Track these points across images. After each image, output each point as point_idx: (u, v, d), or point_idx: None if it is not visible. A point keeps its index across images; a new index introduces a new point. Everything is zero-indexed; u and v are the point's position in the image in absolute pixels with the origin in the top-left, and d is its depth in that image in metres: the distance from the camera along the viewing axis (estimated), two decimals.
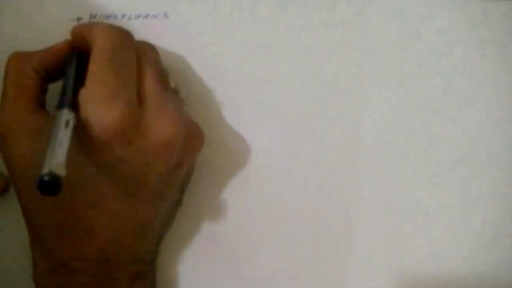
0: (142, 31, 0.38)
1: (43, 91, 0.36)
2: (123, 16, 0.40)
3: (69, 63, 0.36)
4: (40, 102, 0.35)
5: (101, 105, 0.32)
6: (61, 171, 0.29)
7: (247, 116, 0.39)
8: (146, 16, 0.39)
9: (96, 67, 0.33)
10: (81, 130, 0.32)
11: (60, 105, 0.33)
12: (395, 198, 0.38)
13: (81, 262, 0.34)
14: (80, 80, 0.34)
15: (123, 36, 0.34)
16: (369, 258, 0.38)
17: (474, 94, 0.38)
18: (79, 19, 0.40)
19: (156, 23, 0.36)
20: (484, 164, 0.38)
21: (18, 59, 0.35)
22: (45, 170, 0.29)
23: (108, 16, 0.40)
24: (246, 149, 0.39)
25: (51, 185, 0.29)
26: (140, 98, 0.34)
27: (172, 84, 0.37)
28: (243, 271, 0.38)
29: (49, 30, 0.39)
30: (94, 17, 0.39)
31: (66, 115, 0.32)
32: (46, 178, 0.29)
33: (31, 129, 0.34)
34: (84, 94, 0.33)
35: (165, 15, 0.39)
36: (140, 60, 0.34)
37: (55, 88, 0.36)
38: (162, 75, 0.36)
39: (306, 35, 0.39)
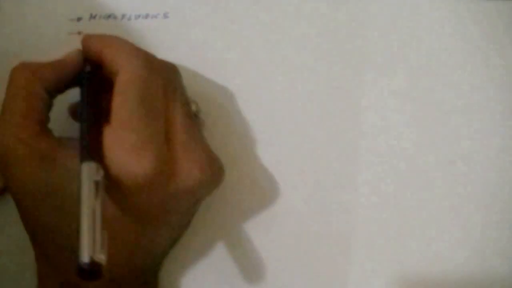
0: (142, 31, 0.38)
1: (49, 109, 0.34)
2: (123, 16, 0.39)
3: (83, 90, 0.33)
4: (45, 122, 0.33)
5: (130, 156, 0.30)
6: (103, 259, 0.28)
7: (248, 115, 0.39)
8: (146, 16, 0.39)
9: (124, 105, 0.31)
10: (106, 176, 0.30)
11: (83, 155, 0.30)
12: (395, 198, 0.38)
13: (93, 283, 0.33)
14: (98, 98, 0.32)
15: (151, 65, 0.33)
16: (369, 258, 0.37)
17: (474, 94, 0.38)
18: (79, 19, 0.40)
19: (156, 23, 0.36)
20: (485, 164, 0.38)
21: (27, 74, 0.33)
22: (85, 258, 0.27)
23: (108, 16, 0.40)
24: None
25: (92, 273, 0.27)
26: (168, 136, 0.32)
27: (193, 108, 0.36)
28: (241, 278, 0.38)
29: (49, 30, 0.39)
30: (94, 17, 0.39)
31: (94, 173, 0.29)
32: (87, 267, 0.27)
33: (34, 155, 0.32)
34: (111, 139, 0.31)
35: (165, 15, 0.39)
36: (167, 90, 0.33)
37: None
38: (187, 105, 0.34)
39: (307, 35, 0.39)
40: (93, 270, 0.27)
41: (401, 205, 0.38)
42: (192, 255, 0.38)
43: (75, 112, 0.37)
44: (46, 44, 0.39)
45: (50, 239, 0.33)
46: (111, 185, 0.31)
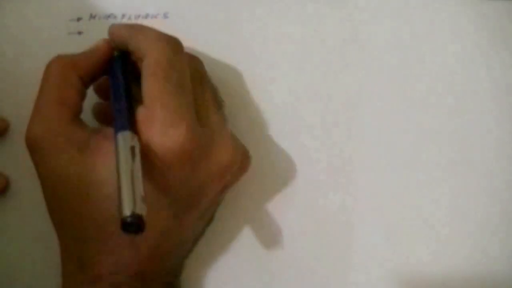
0: None
1: (83, 99, 0.35)
2: (123, 16, 0.39)
3: (114, 69, 0.34)
4: (79, 112, 0.34)
5: (163, 129, 0.31)
6: (143, 211, 0.29)
7: (249, 115, 0.39)
8: (146, 16, 0.39)
9: (154, 85, 0.32)
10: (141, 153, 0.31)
11: (119, 126, 0.31)
12: (394, 199, 0.38)
13: (120, 276, 0.33)
14: (128, 83, 0.33)
15: (176, 47, 0.33)
16: (369, 258, 0.38)
17: (473, 94, 0.38)
18: (79, 19, 0.40)
19: (156, 23, 0.36)
20: (485, 164, 0.38)
21: (63, 65, 0.34)
22: (127, 212, 0.28)
23: (108, 16, 0.40)
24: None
25: (135, 226, 0.28)
26: (200, 118, 0.33)
27: (221, 102, 0.37)
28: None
29: (49, 30, 0.39)
30: (94, 17, 0.39)
31: (129, 139, 0.31)
32: (129, 220, 0.28)
33: (71, 143, 0.32)
34: (144, 116, 0.32)
35: (165, 15, 0.39)
36: (194, 77, 0.34)
37: None
38: (214, 92, 0.36)
39: (307, 34, 0.39)
40: (135, 222, 0.28)
41: (401, 205, 0.38)
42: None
43: (99, 112, 0.37)
44: (46, 44, 0.38)
45: (78, 229, 0.33)
46: (145, 163, 0.31)
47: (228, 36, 0.39)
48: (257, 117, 0.39)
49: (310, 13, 0.39)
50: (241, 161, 0.35)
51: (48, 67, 0.34)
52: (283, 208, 0.38)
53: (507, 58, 0.38)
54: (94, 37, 0.39)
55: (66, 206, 0.33)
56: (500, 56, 0.38)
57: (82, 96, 0.34)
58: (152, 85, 0.32)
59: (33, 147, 0.33)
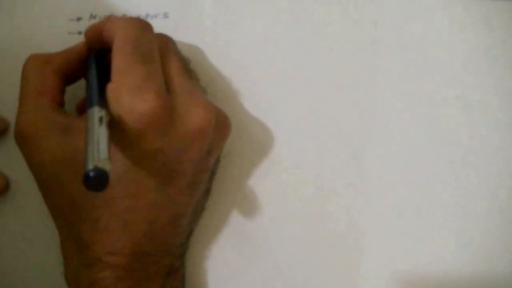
0: None
1: (62, 92, 0.36)
2: (123, 16, 0.40)
3: (90, 64, 0.36)
4: (60, 103, 0.36)
5: (132, 96, 0.32)
6: (106, 166, 0.29)
7: (250, 115, 0.39)
8: (146, 16, 0.39)
9: (121, 60, 0.33)
10: (113, 125, 0.32)
11: (90, 104, 0.32)
12: (398, 199, 0.38)
13: (117, 257, 0.34)
14: (103, 79, 0.34)
15: (143, 26, 0.35)
16: (369, 258, 0.38)
17: (475, 94, 0.38)
18: (79, 19, 0.40)
19: (156, 23, 0.36)
20: (486, 164, 0.38)
21: (37, 60, 0.36)
22: (90, 166, 0.29)
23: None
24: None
25: (98, 180, 0.29)
26: (168, 87, 0.34)
27: (192, 74, 0.38)
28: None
29: (49, 30, 0.39)
30: (94, 17, 0.40)
31: (98, 112, 0.32)
32: (92, 174, 0.29)
33: (56, 127, 0.34)
34: (113, 87, 0.33)
35: (165, 15, 0.39)
36: (162, 50, 0.35)
37: (72, 91, 0.37)
38: (186, 65, 0.36)
39: (307, 33, 0.39)
40: (98, 176, 0.29)
41: (403, 205, 0.38)
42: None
43: (82, 109, 0.38)
44: (46, 44, 0.39)
45: (71, 212, 0.34)
46: (122, 134, 0.32)
47: (228, 36, 0.39)
48: (261, 113, 0.39)
49: (312, 12, 0.39)
50: (220, 123, 0.35)
51: (25, 64, 0.36)
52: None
53: (508, 58, 0.38)
54: None
55: (57, 188, 0.34)
56: (501, 56, 0.38)
57: (60, 87, 0.36)
58: (119, 58, 0.33)
59: (20, 139, 0.34)
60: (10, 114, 0.39)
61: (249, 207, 0.38)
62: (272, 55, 0.39)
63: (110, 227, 0.34)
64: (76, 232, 0.34)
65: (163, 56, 0.35)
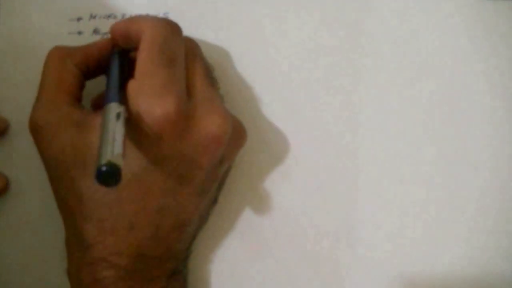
0: None
1: (81, 87, 0.36)
2: (123, 16, 0.40)
3: (112, 60, 0.35)
4: (78, 98, 0.35)
5: (153, 98, 0.32)
6: (120, 162, 0.29)
7: (250, 114, 0.39)
8: None
9: (146, 60, 0.33)
10: (130, 124, 0.32)
11: (108, 99, 0.32)
12: (394, 199, 0.38)
13: (121, 257, 0.34)
14: (124, 76, 0.34)
15: (172, 28, 0.34)
16: (369, 258, 0.38)
17: (473, 93, 0.38)
18: (79, 19, 0.40)
19: None
20: (486, 164, 0.38)
21: (60, 53, 0.35)
22: (103, 160, 0.28)
23: (108, 16, 0.40)
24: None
25: (110, 176, 0.29)
26: (189, 92, 0.34)
27: (213, 74, 0.37)
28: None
29: (49, 30, 0.39)
30: (94, 17, 0.39)
31: (116, 108, 0.31)
32: (104, 169, 0.28)
33: (70, 122, 0.34)
34: (134, 87, 0.33)
35: (165, 15, 0.39)
36: (188, 54, 0.35)
37: (91, 86, 0.37)
38: (209, 72, 0.36)
39: (307, 33, 0.39)
40: (110, 172, 0.28)
41: (401, 206, 0.38)
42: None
43: (97, 104, 0.38)
44: (46, 44, 0.38)
45: (78, 208, 0.34)
46: (137, 134, 0.32)
47: (228, 36, 0.39)
48: (258, 112, 0.39)
49: (312, 10, 0.39)
50: (236, 133, 0.35)
51: (47, 57, 0.35)
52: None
53: (509, 58, 0.38)
54: (94, 37, 0.39)
55: (65, 183, 0.34)
56: (501, 56, 0.38)
57: (80, 82, 0.35)
58: (144, 58, 0.33)
59: (33, 131, 0.34)
60: (10, 114, 0.39)
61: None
62: (271, 56, 0.39)
63: (115, 228, 0.33)
64: (82, 230, 0.34)
65: (188, 60, 0.34)
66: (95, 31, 0.39)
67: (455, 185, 0.38)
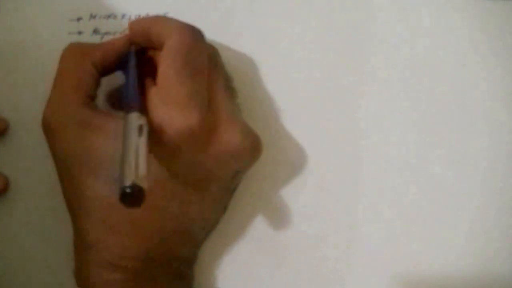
0: None
1: (97, 86, 0.35)
2: (123, 16, 0.40)
3: (130, 58, 0.35)
4: (92, 97, 0.35)
5: (175, 110, 0.32)
6: (144, 184, 0.28)
7: (250, 115, 0.39)
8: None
9: (170, 68, 0.32)
10: (149, 131, 0.31)
11: (128, 106, 0.32)
12: (396, 198, 0.38)
13: (129, 260, 0.33)
14: (142, 77, 0.33)
15: (197, 36, 0.34)
16: (369, 258, 0.38)
17: (473, 93, 0.38)
18: (79, 19, 0.40)
19: None
20: (486, 164, 0.38)
21: (77, 51, 0.35)
22: (127, 182, 0.28)
23: (108, 16, 0.40)
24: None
25: (135, 198, 0.28)
26: (210, 102, 0.33)
27: (233, 85, 0.37)
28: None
29: (49, 30, 0.39)
30: (94, 17, 0.39)
31: (137, 119, 0.31)
32: (129, 191, 0.28)
33: (82, 123, 0.33)
34: (157, 95, 0.32)
35: (165, 15, 0.39)
36: (210, 63, 0.34)
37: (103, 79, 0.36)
38: (228, 80, 0.36)
39: (307, 32, 0.39)
40: (134, 193, 0.28)
41: (402, 205, 0.38)
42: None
43: (111, 100, 0.38)
44: (46, 44, 0.39)
45: (86, 210, 0.34)
46: (157, 143, 0.32)
47: (228, 36, 0.39)
48: (256, 114, 0.39)
49: (315, 10, 0.39)
50: (252, 147, 0.35)
51: (63, 54, 0.35)
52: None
53: (508, 58, 0.38)
54: (94, 37, 0.39)
55: (74, 184, 0.34)
56: (501, 56, 0.38)
57: (95, 81, 0.35)
58: (169, 66, 0.33)
59: (47, 129, 0.34)
60: (10, 114, 0.39)
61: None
62: (271, 56, 0.39)
63: (123, 232, 0.33)
64: (90, 232, 0.34)
65: (210, 69, 0.34)
66: (95, 31, 0.39)
67: (455, 185, 0.38)
